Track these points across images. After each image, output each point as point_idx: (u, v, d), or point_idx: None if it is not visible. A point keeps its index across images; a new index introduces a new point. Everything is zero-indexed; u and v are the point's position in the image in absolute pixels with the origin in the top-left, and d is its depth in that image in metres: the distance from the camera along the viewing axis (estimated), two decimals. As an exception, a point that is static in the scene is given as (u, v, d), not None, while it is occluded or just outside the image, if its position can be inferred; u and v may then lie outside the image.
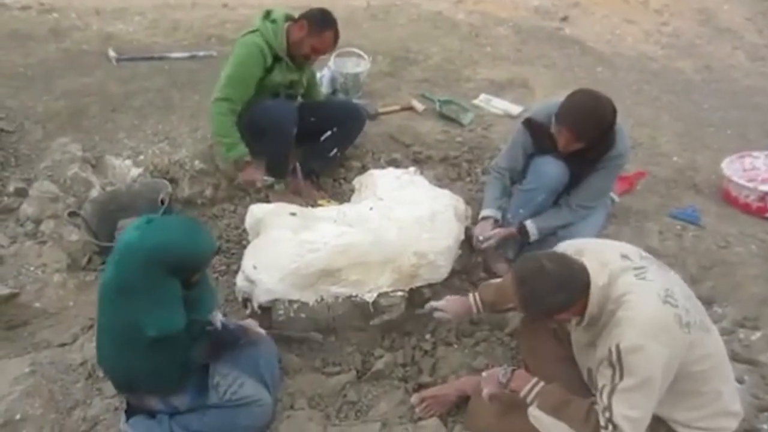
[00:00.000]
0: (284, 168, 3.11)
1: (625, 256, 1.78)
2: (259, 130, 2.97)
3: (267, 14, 2.96)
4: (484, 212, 2.71)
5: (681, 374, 1.65)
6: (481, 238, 2.61)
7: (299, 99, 3.24)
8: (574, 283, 1.68)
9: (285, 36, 2.92)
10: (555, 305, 1.71)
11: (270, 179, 3.06)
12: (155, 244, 1.74)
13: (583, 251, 1.80)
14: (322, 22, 2.91)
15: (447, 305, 2.24)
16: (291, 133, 3.03)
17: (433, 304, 2.27)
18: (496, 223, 2.69)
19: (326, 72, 3.80)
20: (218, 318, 2.06)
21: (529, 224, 2.63)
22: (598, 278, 1.68)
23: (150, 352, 1.79)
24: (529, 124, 2.64)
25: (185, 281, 1.80)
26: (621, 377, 1.61)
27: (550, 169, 2.60)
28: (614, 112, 2.39)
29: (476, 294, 2.22)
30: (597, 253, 1.79)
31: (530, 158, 2.70)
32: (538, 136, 2.62)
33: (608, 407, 1.62)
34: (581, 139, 2.41)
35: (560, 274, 1.67)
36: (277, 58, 2.96)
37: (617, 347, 1.61)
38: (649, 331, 1.60)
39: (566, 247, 1.93)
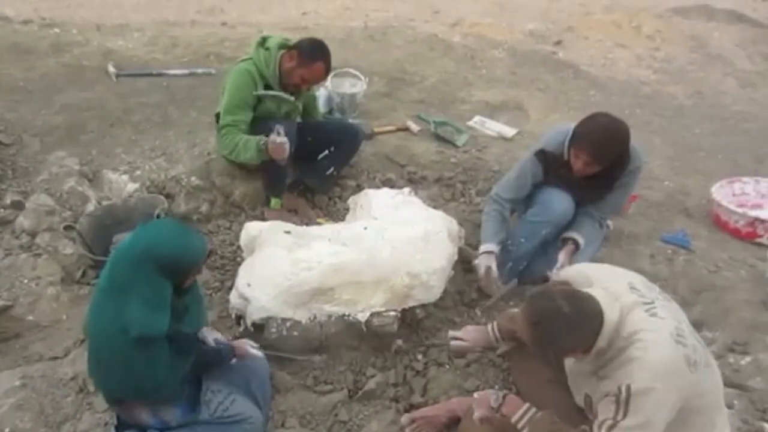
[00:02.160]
0: (282, 185, 3.13)
1: (633, 288, 1.76)
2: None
3: (263, 41, 2.97)
4: (486, 247, 2.67)
5: (680, 408, 1.64)
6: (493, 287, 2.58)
7: (298, 118, 3.27)
8: (588, 325, 1.65)
9: (278, 65, 2.93)
10: (568, 347, 1.70)
11: (281, 131, 2.81)
12: (148, 243, 1.76)
13: (592, 281, 1.77)
14: (312, 53, 2.89)
15: (465, 334, 2.26)
16: (289, 150, 3.04)
17: (452, 333, 2.28)
18: (497, 259, 2.68)
19: (323, 92, 3.85)
20: (211, 336, 2.06)
21: (576, 235, 2.65)
22: (610, 314, 1.66)
23: (133, 359, 1.77)
24: (543, 156, 2.64)
25: (177, 285, 1.80)
26: (625, 415, 1.59)
27: (559, 204, 2.63)
28: (628, 132, 2.43)
29: (494, 323, 2.24)
30: (606, 284, 1.77)
31: (535, 187, 2.72)
32: (553, 167, 2.63)
33: None
34: (601, 163, 2.44)
35: (576, 317, 1.63)
36: (268, 88, 2.96)
37: (628, 388, 1.59)
38: (662, 374, 1.59)
39: (573, 273, 1.91)
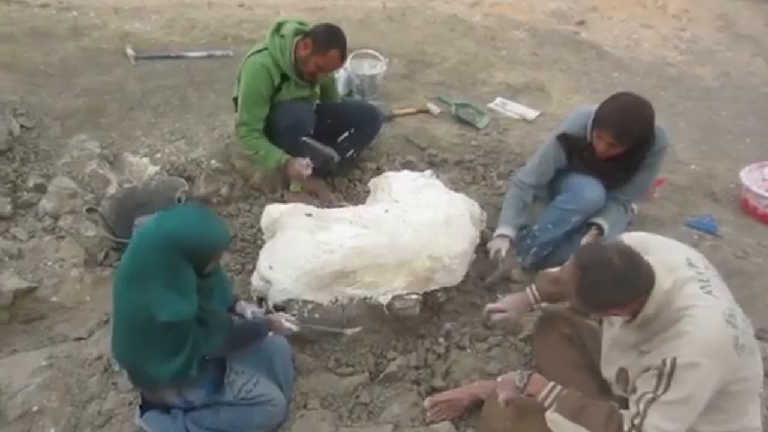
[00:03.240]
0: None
1: (691, 264, 1.72)
2: (277, 131, 2.98)
3: (278, 28, 2.92)
4: (502, 230, 2.65)
5: (718, 390, 1.62)
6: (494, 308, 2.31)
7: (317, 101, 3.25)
8: (637, 282, 1.61)
9: (293, 52, 2.88)
10: (611, 300, 1.65)
11: (311, 162, 2.95)
12: (171, 229, 1.76)
13: (649, 249, 1.72)
14: (326, 41, 2.84)
15: (505, 305, 2.24)
16: (307, 134, 3.03)
17: (491, 306, 2.26)
18: (512, 244, 2.66)
19: (342, 73, 3.81)
20: (249, 309, 2.11)
21: (601, 220, 2.63)
22: (662, 281, 1.62)
23: (162, 341, 1.79)
24: (565, 140, 2.59)
25: (200, 269, 1.81)
26: (666, 389, 1.57)
27: (590, 192, 2.59)
28: (652, 112, 2.37)
29: (533, 286, 2.21)
30: (663, 254, 1.72)
31: (559, 172, 2.67)
32: (576, 150, 2.58)
33: (641, 414, 1.60)
34: (624, 143, 2.39)
35: (625, 271, 1.60)
36: (285, 77, 2.93)
37: (673, 360, 1.56)
38: (709, 350, 1.56)
39: (633, 239, 1.84)
